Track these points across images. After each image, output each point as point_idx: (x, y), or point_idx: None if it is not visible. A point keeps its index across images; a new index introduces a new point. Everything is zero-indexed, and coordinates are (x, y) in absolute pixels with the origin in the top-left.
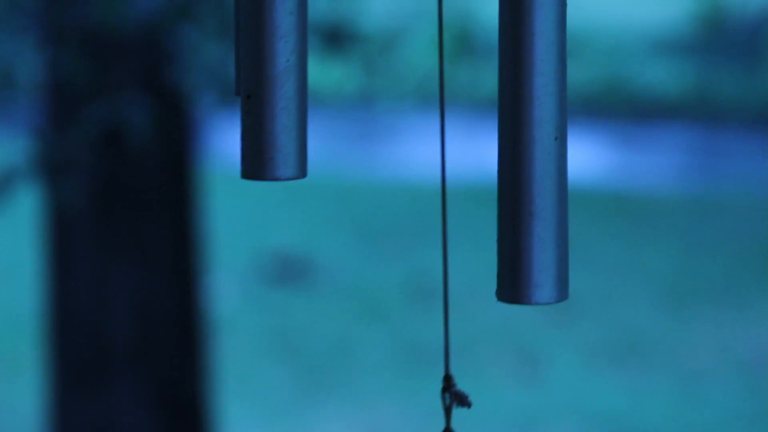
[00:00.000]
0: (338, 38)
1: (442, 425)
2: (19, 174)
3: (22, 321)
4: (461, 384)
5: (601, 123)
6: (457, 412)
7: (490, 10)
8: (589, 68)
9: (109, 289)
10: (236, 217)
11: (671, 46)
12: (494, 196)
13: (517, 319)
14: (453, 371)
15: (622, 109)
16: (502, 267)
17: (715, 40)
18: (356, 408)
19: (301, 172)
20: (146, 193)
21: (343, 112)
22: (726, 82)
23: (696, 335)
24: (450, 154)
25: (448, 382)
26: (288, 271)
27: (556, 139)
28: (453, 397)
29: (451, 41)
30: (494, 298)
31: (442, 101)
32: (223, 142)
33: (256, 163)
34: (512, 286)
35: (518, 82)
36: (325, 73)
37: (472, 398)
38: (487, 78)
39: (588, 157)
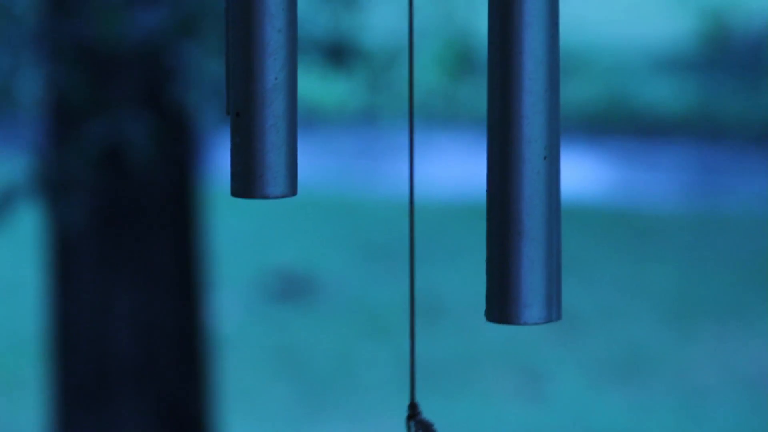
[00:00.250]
0: (340, 54)
1: None
2: (20, 191)
3: (25, 339)
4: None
5: (603, 140)
6: (463, 429)
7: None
8: (591, 85)
9: (111, 306)
10: (239, 235)
11: (673, 63)
12: None
13: (520, 336)
14: (457, 388)
15: (625, 126)
16: (490, 287)
17: (718, 57)
18: (359, 424)
19: (291, 190)
20: (148, 210)
21: (346, 129)
22: (728, 99)
23: (699, 352)
24: (453, 171)
25: (413, 411)
26: (291, 289)
27: (545, 158)
28: (418, 425)
29: (452, 59)
30: None
31: (411, 116)
32: (225, 159)
33: (246, 181)
34: (501, 306)
35: (507, 100)
36: (327, 90)
37: (475, 414)
38: (485, 96)
39: (590, 175)
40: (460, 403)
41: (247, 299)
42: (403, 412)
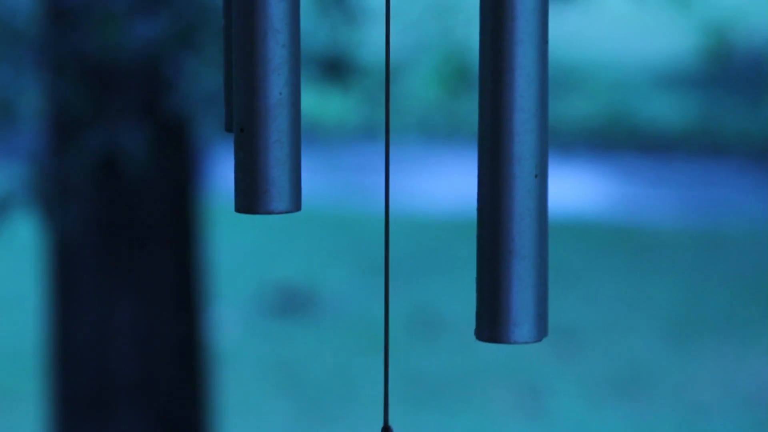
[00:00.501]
0: (338, 69)
1: None
2: (17, 201)
3: (24, 352)
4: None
5: (604, 156)
6: None
7: None
8: (592, 101)
9: (111, 320)
10: (239, 249)
11: (674, 79)
12: None
13: (521, 351)
14: (457, 403)
15: (626, 141)
16: (481, 305)
17: (719, 73)
18: None
19: (295, 205)
20: (147, 223)
21: (346, 144)
22: (729, 115)
23: (699, 368)
24: (453, 186)
25: None
26: (290, 303)
27: (536, 176)
28: None
29: (452, 74)
30: None
31: (387, 128)
32: (225, 170)
33: (250, 196)
34: (491, 324)
35: (498, 118)
36: (327, 105)
37: (474, 430)
38: None
39: (591, 190)
40: (459, 419)
41: (246, 313)
42: (404, 426)
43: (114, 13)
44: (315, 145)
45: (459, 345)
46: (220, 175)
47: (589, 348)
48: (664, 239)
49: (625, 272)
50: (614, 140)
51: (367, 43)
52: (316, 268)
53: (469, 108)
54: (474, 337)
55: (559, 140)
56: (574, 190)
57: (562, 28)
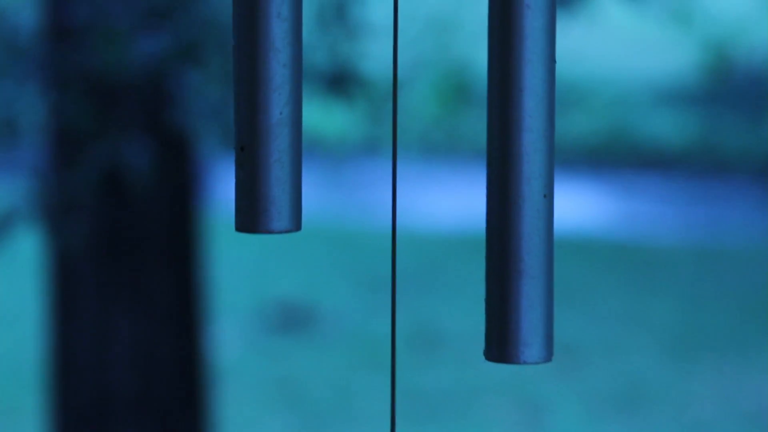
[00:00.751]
0: (341, 83)
1: None
2: (20, 216)
3: (24, 366)
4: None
5: (604, 172)
6: None
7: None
8: (593, 118)
9: (110, 335)
10: (239, 265)
11: (675, 96)
12: None
13: (521, 368)
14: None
15: (626, 159)
16: (490, 325)
17: (720, 90)
18: None
19: (295, 224)
20: (149, 238)
21: (347, 160)
22: (730, 132)
23: (700, 386)
24: (454, 203)
25: None
26: (291, 320)
27: (545, 196)
28: None
29: (450, 92)
30: None
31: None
32: (227, 187)
33: (250, 215)
34: (500, 345)
35: (507, 138)
36: (328, 120)
37: None
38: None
39: (591, 207)
40: None
41: (247, 330)
42: None
43: (117, 29)
44: (315, 160)
45: (460, 362)
46: (222, 190)
47: (590, 365)
48: (664, 256)
49: (625, 289)
50: (614, 157)
51: (369, 56)
52: (316, 285)
53: (469, 125)
54: (475, 354)
55: (559, 156)
56: (574, 206)
57: (563, 44)
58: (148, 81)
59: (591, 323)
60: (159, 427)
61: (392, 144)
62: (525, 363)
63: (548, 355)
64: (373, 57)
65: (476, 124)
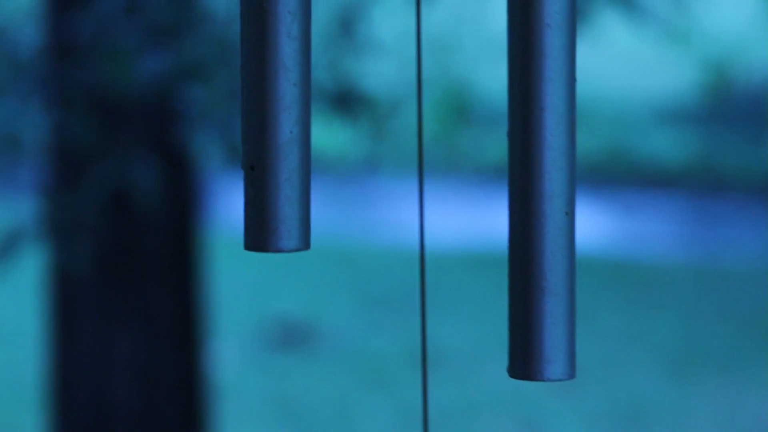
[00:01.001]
0: (346, 102)
1: None
2: (25, 235)
3: (24, 383)
4: None
5: (604, 191)
6: None
7: (488, 80)
8: (592, 136)
9: (111, 353)
10: (239, 282)
11: (675, 114)
12: (496, 263)
13: (522, 387)
14: None
15: (626, 177)
16: (513, 343)
17: (719, 109)
18: None
19: (305, 243)
20: (149, 255)
21: (347, 178)
22: (730, 151)
23: (700, 405)
24: (452, 221)
25: None
26: (291, 337)
27: (567, 213)
28: None
29: (450, 110)
30: (497, 366)
31: (420, 162)
32: (229, 205)
33: (260, 234)
34: (524, 362)
35: (528, 156)
36: (329, 138)
37: None
38: (488, 146)
39: (591, 225)
40: None
41: (246, 347)
42: None
43: (122, 47)
44: (316, 178)
45: (460, 380)
46: (226, 207)
47: (590, 384)
48: (664, 275)
49: (625, 307)
50: (614, 175)
51: (369, 74)
52: (316, 302)
53: (469, 143)
54: (475, 372)
55: None
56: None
57: None
58: (154, 98)
59: (591, 341)
60: None
61: (418, 164)
62: (549, 380)
63: (571, 372)
64: (374, 75)
65: (476, 142)
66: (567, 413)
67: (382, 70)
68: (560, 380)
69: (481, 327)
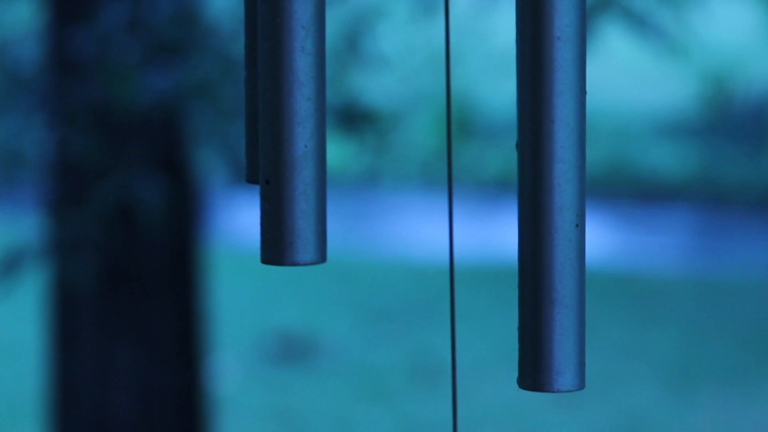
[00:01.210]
0: (354, 119)
1: None
2: (30, 252)
3: (25, 398)
4: None
5: (605, 204)
6: None
7: (488, 93)
8: (593, 150)
9: (112, 368)
10: (240, 296)
11: (675, 128)
12: (497, 277)
13: (522, 400)
14: None
15: (626, 190)
16: (523, 354)
17: (719, 122)
18: None
19: (321, 257)
20: (152, 272)
21: (347, 191)
22: (730, 164)
23: (700, 418)
24: (455, 233)
25: None
26: (291, 351)
27: (576, 225)
28: None
29: (452, 123)
30: (499, 378)
31: (450, 177)
32: (230, 220)
33: (276, 248)
34: (534, 373)
35: (539, 169)
36: (329, 152)
37: None
38: (488, 160)
39: (592, 238)
40: None
41: (247, 360)
42: None
43: (125, 64)
44: None
45: (460, 393)
46: (228, 223)
47: (591, 397)
48: (664, 288)
49: (625, 321)
50: (615, 188)
51: (369, 92)
52: (317, 316)
53: (470, 156)
54: (476, 385)
55: None
56: None
57: None
58: (159, 116)
59: (592, 354)
60: None
61: (448, 181)
62: (558, 391)
63: (581, 383)
64: (375, 88)
65: (476, 156)
66: (569, 426)
67: (383, 83)
68: (570, 391)
69: (483, 340)
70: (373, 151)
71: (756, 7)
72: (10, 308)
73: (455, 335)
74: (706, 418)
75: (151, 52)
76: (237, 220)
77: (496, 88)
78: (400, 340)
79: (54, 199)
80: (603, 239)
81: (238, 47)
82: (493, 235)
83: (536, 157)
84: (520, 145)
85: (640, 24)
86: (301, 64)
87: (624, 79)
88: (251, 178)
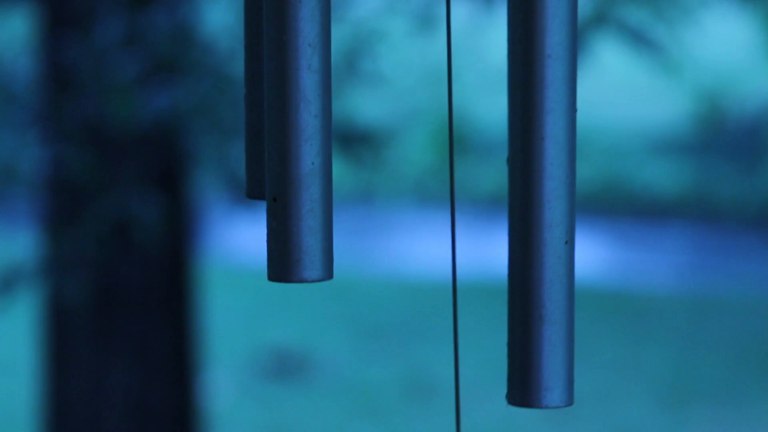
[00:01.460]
0: (352, 141)
1: None
2: (25, 270)
3: (19, 416)
4: None
5: (600, 221)
6: None
7: (484, 110)
8: (588, 167)
9: (106, 385)
10: (234, 313)
11: (669, 145)
12: (491, 293)
13: (516, 417)
14: None
15: (621, 207)
16: (512, 370)
17: (714, 139)
18: None
19: (328, 273)
20: (147, 289)
21: (341, 208)
22: (724, 181)
23: None
24: (447, 251)
25: None
26: (285, 367)
27: (566, 242)
28: None
29: (445, 141)
30: (494, 396)
31: (452, 193)
32: (225, 237)
33: (283, 265)
34: (522, 389)
35: (529, 185)
36: None
37: None
38: (482, 176)
39: (587, 256)
40: None
41: (241, 378)
42: None
43: (123, 81)
44: None
45: (453, 410)
46: (222, 240)
47: (584, 413)
48: (659, 305)
49: (619, 338)
50: (609, 205)
51: (364, 109)
52: (310, 333)
53: (465, 173)
54: (469, 402)
55: None
56: None
57: None
58: (156, 134)
59: (585, 371)
60: None
61: (450, 199)
62: (547, 407)
63: (569, 399)
64: (370, 104)
65: (472, 173)
66: None
67: (378, 100)
68: (558, 407)
69: (476, 357)
70: (369, 168)
71: (750, 25)
72: (5, 325)
73: (458, 353)
74: None
75: (147, 69)
76: (232, 237)
77: (491, 105)
78: (394, 357)
79: (49, 217)
80: (597, 256)
81: (234, 65)
82: (488, 251)
83: (526, 173)
84: (510, 161)
85: (635, 39)
86: (308, 82)
87: (618, 95)
88: (251, 193)
